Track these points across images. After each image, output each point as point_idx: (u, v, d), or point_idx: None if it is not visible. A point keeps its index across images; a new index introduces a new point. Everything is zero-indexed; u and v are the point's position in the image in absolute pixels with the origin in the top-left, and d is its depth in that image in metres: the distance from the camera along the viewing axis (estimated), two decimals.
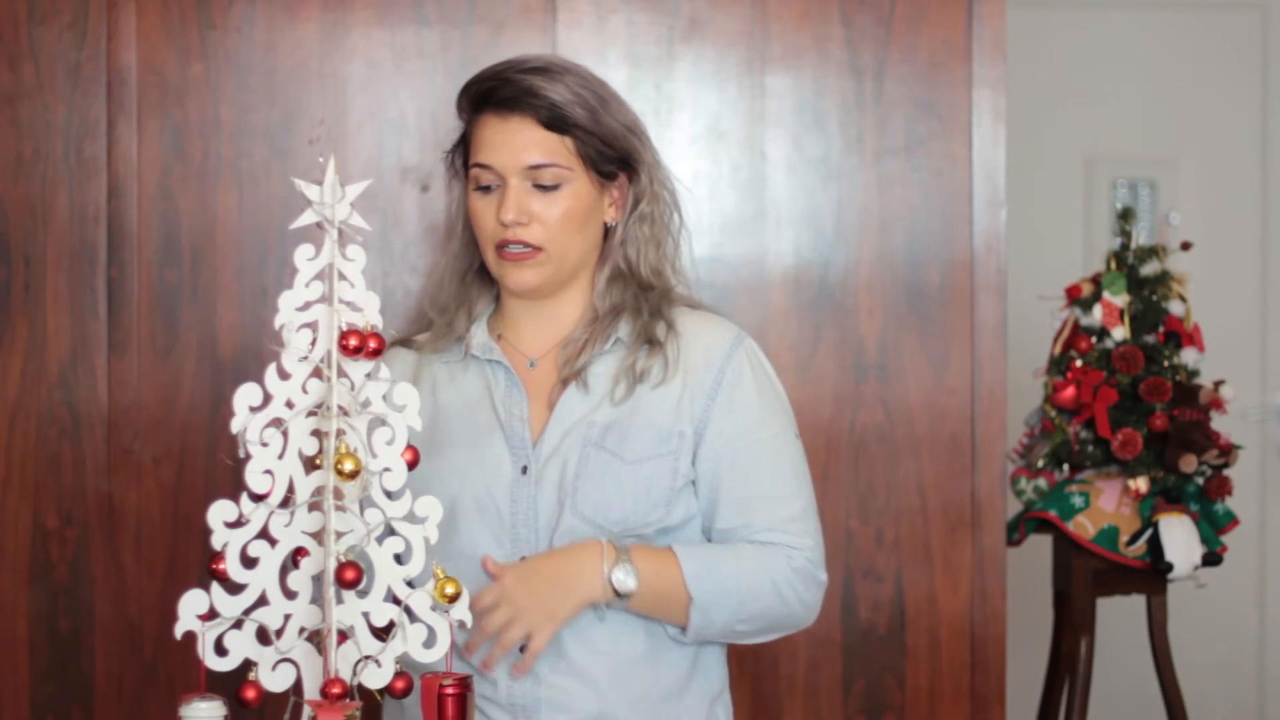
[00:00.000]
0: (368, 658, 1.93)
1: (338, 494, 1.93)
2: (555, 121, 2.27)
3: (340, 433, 1.92)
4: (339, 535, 1.93)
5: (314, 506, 1.94)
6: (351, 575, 1.90)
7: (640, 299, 2.35)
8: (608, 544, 2.25)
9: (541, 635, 2.23)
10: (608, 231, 2.36)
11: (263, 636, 1.94)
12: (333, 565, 1.91)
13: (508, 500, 2.30)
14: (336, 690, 1.88)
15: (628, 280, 2.36)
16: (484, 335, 2.37)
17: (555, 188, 2.29)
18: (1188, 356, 3.81)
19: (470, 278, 2.39)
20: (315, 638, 1.95)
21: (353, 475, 1.90)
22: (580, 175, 2.30)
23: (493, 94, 2.29)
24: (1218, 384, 3.79)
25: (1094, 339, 3.79)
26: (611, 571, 2.24)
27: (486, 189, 2.30)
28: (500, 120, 2.28)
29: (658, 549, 2.28)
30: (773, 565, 2.30)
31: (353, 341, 1.93)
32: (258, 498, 1.94)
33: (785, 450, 2.34)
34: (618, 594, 2.24)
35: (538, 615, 2.22)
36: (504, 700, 2.29)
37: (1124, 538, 3.70)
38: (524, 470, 2.30)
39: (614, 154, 2.32)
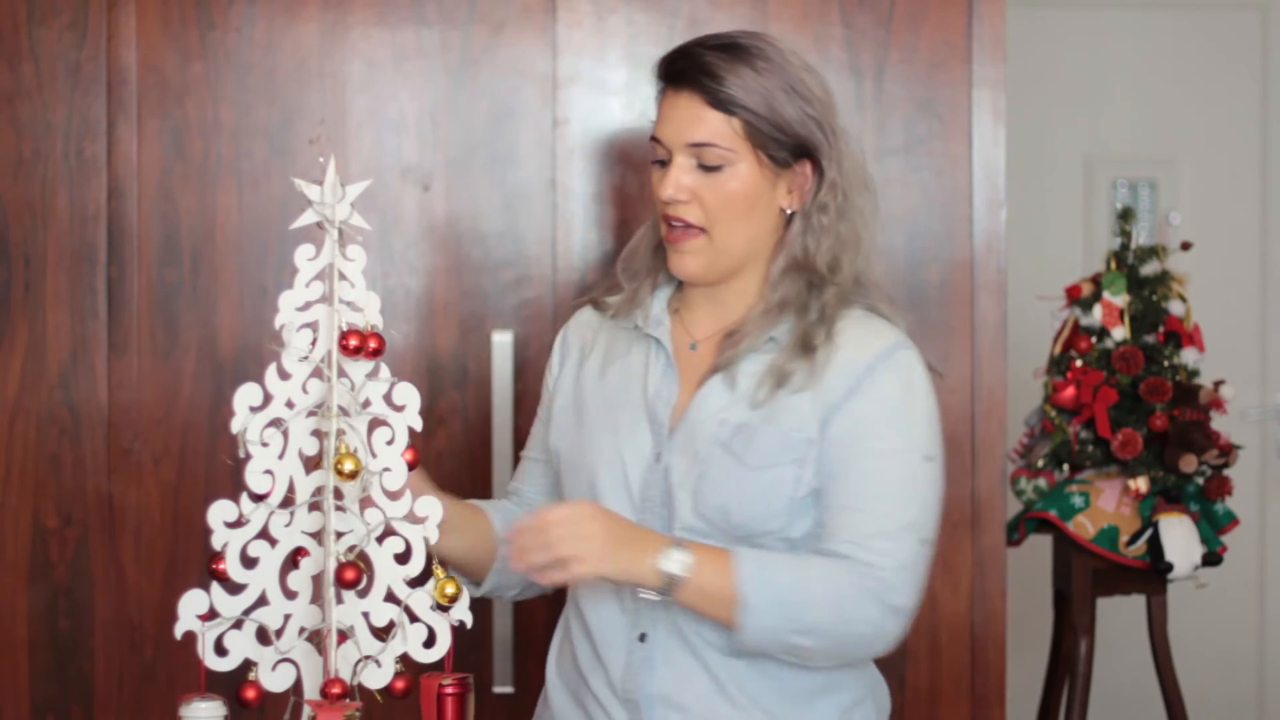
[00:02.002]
0: (368, 658, 1.93)
1: (338, 494, 1.93)
2: (721, 102, 2.25)
3: (340, 433, 1.92)
4: (339, 535, 1.93)
5: (314, 506, 1.95)
6: (351, 575, 1.90)
7: (811, 296, 2.30)
8: (670, 538, 2.21)
9: (583, 568, 2.13)
10: (790, 220, 2.32)
11: (263, 636, 1.94)
12: (333, 565, 1.91)
13: (640, 484, 2.28)
14: (336, 690, 1.88)
15: (802, 272, 2.30)
16: (660, 309, 2.36)
17: (718, 169, 2.26)
18: (1188, 356, 3.82)
19: (660, 251, 2.36)
20: (315, 638, 1.95)
21: (353, 475, 1.90)
22: (747, 158, 2.26)
23: (670, 67, 2.30)
24: (1218, 384, 3.79)
25: (1094, 339, 3.79)
26: (660, 558, 2.16)
27: (662, 164, 2.29)
28: (673, 95, 2.28)
29: (722, 549, 2.22)
30: (839, 579, 2.20)
31: (353, 341, 1.93)
32: (258, 498, 1.94)
33: (896, 467, 2.24)
34: (664, 576, 2.17)
35: (595, 549, 2.13)
36: (619, 693, 2.27)
37: (1124, 538, 3.71)
38: (658, 457, 2.29)
39: (788, 140, 2.27)
